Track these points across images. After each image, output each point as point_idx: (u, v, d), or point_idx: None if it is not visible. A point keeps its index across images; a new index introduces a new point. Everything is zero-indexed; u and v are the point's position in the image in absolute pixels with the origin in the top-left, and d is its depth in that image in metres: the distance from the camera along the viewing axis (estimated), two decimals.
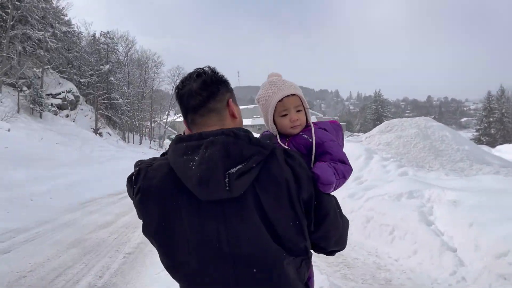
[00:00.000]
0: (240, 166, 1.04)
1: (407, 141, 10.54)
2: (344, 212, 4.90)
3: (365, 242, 5.48)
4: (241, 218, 1.07)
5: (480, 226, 4.21)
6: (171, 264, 1.16)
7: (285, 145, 1.37)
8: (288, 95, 1.39)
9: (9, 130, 20.74)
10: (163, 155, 1.29)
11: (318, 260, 4.87)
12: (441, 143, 10.34)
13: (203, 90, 1.17)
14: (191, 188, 1.06)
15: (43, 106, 28.37)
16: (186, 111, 1.21)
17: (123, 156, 27.38)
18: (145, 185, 1.14)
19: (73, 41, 37.16)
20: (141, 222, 1.21)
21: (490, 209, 4.56)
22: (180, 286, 1.21)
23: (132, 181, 1.19)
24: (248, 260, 1.08)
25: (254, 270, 1.08)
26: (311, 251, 1.25)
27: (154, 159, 1.25)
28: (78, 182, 13.51)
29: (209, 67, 1.24)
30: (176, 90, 1.24)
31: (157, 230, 1.13)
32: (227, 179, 1.03)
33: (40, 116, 28.52)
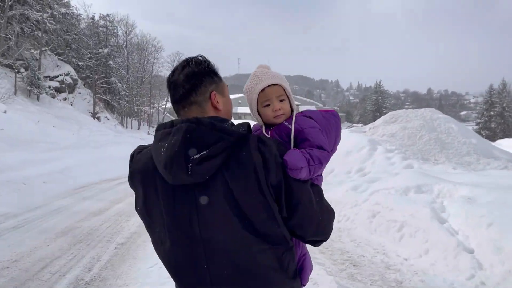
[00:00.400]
0: (204, 152, 1.06)
1: (412, 133, 10.21)
2: (348, 205, 4.55)
3: (370, 238, 5.18)
4: (211, 203, 1.10)
5: (501, 226, 3.90)
6: (153, 240, 1.25)
7: (268, 134, 1.37)
8: (269, 85, 1.40)
9: (5, 112, 20.40)
10: None
11: (322, 257, 4.60)
12: (447, 136, 10.02)
13: (186, 83, 1.21)
14: (161, 173, 1.12)
15: (41, 88, 28.02)
16: (173, 102, 1.26)
17: (121, 140, 27.05)
18: (132, 168, 1.27)
19: (72, 23, 36.46)
20: (134, 211, 1.34)
21: (510, 207, 4.26)
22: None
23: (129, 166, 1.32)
24: (218, 244, 1.12)
25: (224, 254, 1.12)
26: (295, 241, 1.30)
27: (150, 144, 1.28)
28: (74, 166, 13.17)
29: (201, 56, 1.27)
30: (167, 79, 1.28)
31: (141, 208, 1.24)
32: (190, 164, 1.06)
33: (38, 98, 28.15)
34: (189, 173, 1.06)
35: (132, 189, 1.30)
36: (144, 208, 1.23)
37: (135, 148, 1.35)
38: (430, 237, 4.32)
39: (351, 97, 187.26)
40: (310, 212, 1.18)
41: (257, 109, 1.43)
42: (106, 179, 12.36)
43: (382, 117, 11.86)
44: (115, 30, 42.56)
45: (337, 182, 8.45)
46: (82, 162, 14.19)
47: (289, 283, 1.21)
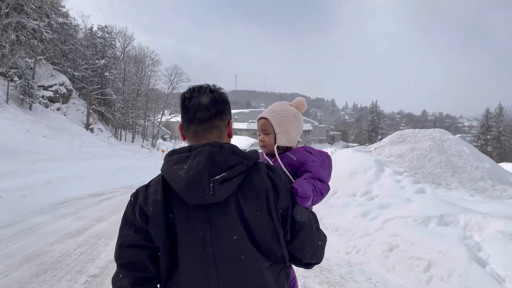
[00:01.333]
0: (224, 174, 1.14)
1: (421, 154, 9.52)
2: (357, 234, 5.58)
3: (388, 277, 4.42)
4: (224, 223, 1.16)
5: None
6: (168, 264, 1.21)
7: (271, 162, 1.51)
8: (260, 118, 1.62)
9: None
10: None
11: None
12: (458, 159, 9.35)
13: (212, 107, 1.26)
14: (180, 193, 1.16)
15: (34, 97, 27.46)
16: (190, 121, 1.27)
17: (113, 153, 26.25)
18: (152, 198, 1.21)
19: (69, 33, 35.95)
20: (116, 232, 1.39)
21: None
22: None
23: (130, 203, 1.27)
24: (229, 262, 1.16)
25: (235, 272, 1.17)
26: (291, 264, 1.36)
27: (149, 181, 1.30)
28: (59, 178, 12.34)
29: (218, 86, 1.34)
30: (183, 98, 1.30)
31: (161, 235, 1.19)
32: (211, 184, 1.13)
33: (30, 108, 27.60)
34: (211, 192, 1.13)
35: (153, 219, 1.19)
36: (163, 233, 1.20)
37: (133, 195, 1.30)
38: (470, 283, 3.54)
39: (346, 117, 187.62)
40: (311, 236, 1.28)
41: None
42: (92, 194, 11.54)
43: (389, 137, 11.18)
44: (112, 42, 42.11)
45: (341, 205, 7.72)
46: (68, 174, 13.35)
47: None
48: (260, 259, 1.17)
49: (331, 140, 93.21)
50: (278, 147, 1.54)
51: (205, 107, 1.24)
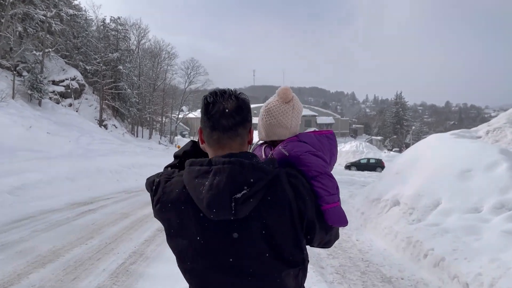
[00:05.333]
0: (245, 191, 1.10)
1: None
2: None
3: None
4: (245, 234, 1.14)
5: None
6: (183, 267, 1.24)
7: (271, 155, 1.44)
8: None
9: None
10: (168, 167, 1.39)
11: None
12: None
13: (237, 115, 1.20)
14: (202, 209, 1.13)
15: (43, 93, 25.33)
16: (214, 128, 1.21)
17: (124, 150, 23.59)
18: (164, 198, 1.23)
19: (81, 25, 33.55)
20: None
21: None
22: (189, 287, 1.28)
23: (152, 191, 1.27)
24: (249, 271, 1.15)
25: (254, 281, 1.16)
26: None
27: (173, 171, 1.29)
28: (37, 182, 9.44)
29: (241, 92, 1.28)
30: (205, 103, 1.22)
31: (172, 236, 1.23)
32: (233, 203, 1.09)
33: (39, 104, 25.54)
34: (233, 211, 1.09)
35: (159, 216, 1.24)
36: (175, 236, 1.21)
37: (158, 175, 1.28)
38: None
39: (367, 110, 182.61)
40: (333, 241, 1.38)
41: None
42: (74, 203, 8.50)
43: (503, 114, 7.76)
44: (126, 34, 39.54)
45: (460, 229, 4.45)
46: (53, 176, 10.40)
47: None
48: (281, 268, 1.17)
49: (354, 134, 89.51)
50: (266, 141, 1.52)
51: (230, 115, 1.18)
